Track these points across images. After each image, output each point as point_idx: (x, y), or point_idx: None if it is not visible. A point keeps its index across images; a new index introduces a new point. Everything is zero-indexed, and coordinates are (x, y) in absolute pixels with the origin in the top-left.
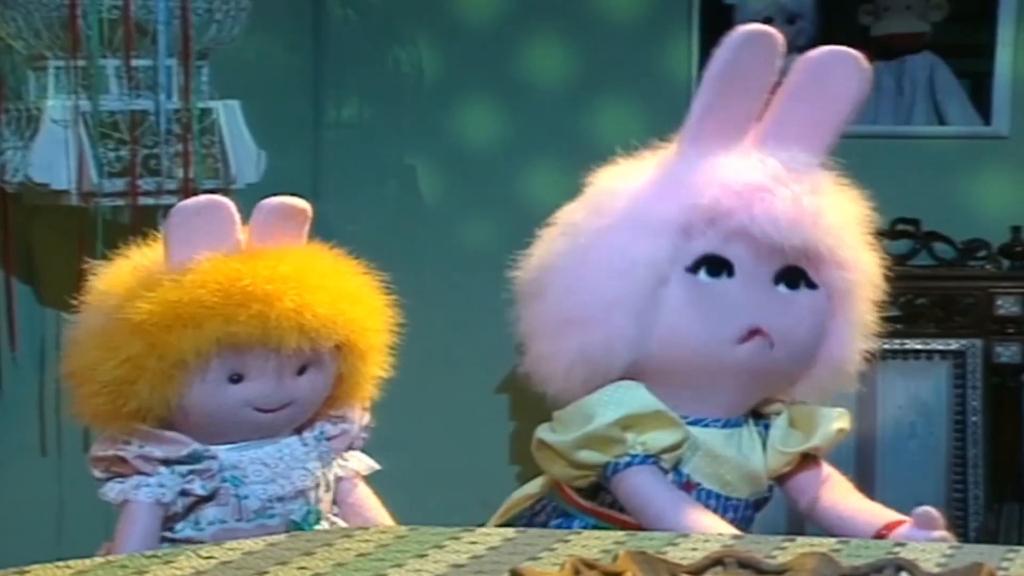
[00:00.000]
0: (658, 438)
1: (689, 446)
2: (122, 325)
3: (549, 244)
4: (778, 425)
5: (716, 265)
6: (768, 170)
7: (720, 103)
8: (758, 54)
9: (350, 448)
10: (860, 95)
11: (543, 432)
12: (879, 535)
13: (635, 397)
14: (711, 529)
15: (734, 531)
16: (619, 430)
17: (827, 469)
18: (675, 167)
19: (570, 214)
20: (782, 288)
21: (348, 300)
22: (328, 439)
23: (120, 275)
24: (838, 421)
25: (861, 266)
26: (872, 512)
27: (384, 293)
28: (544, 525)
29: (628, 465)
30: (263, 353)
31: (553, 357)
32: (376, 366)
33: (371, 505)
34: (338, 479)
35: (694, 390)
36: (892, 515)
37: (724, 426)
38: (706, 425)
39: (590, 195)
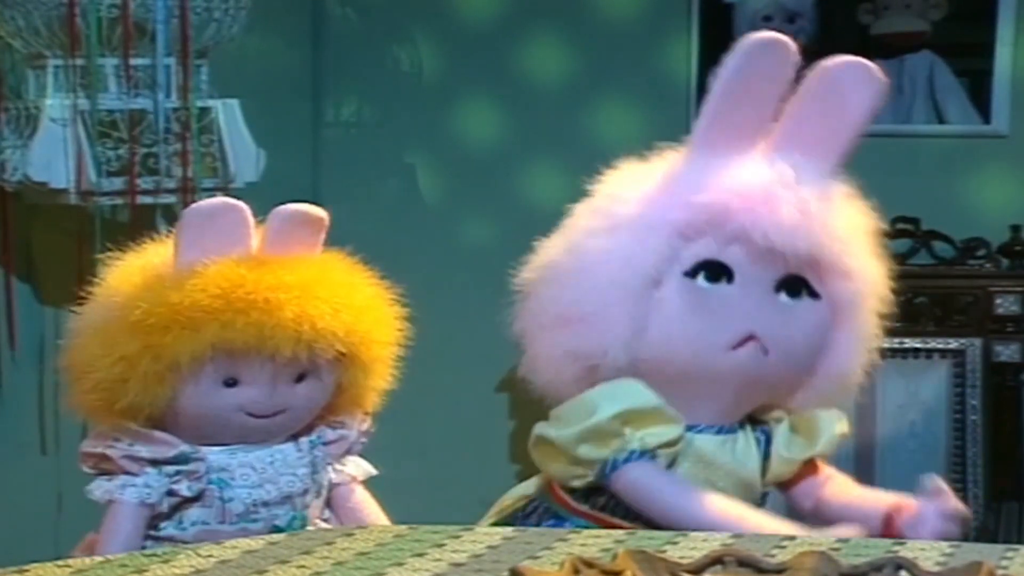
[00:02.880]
0: (656, 433)
1: (682, 450)
2: (121, 323)
3: (548, 244)
4: (780, 432)
5: (715, 270)
6: (775, 174)
7: (729, 109)
8: (769, 62)
9: (347, 453)
10: (874, 107)
11: (543, 428)
12: (888, 519)
13: (635, 393)
14: (724, 510)
15: (742, 513)
16: (619, 424)
17: (826, 469)
18: (681, 170)
19: (576, 218)
20: (783, 297)
21: (353, 312)
22: (325, 444)
23: (129, 272)
24: (839, 425)
25: (866, 277)
26: (875, 498)
27: (394, 305)
28: (536, 527)
29: (627, 461)
30: (258, 360)
31: (545, 355)
32: (379, 378)
33: (370, 510)
34: (334, 484)
35: (687, 396)
36: (894, 497)
37: (718, 432)
38: (700, 431)
39: (596, 199)
